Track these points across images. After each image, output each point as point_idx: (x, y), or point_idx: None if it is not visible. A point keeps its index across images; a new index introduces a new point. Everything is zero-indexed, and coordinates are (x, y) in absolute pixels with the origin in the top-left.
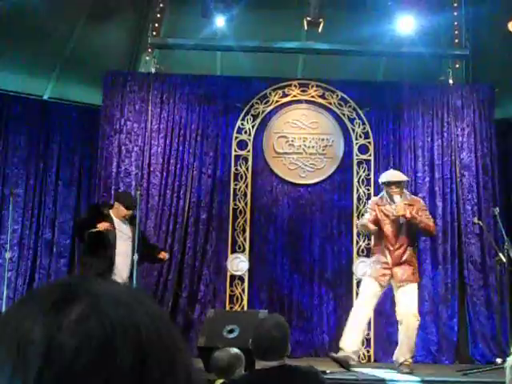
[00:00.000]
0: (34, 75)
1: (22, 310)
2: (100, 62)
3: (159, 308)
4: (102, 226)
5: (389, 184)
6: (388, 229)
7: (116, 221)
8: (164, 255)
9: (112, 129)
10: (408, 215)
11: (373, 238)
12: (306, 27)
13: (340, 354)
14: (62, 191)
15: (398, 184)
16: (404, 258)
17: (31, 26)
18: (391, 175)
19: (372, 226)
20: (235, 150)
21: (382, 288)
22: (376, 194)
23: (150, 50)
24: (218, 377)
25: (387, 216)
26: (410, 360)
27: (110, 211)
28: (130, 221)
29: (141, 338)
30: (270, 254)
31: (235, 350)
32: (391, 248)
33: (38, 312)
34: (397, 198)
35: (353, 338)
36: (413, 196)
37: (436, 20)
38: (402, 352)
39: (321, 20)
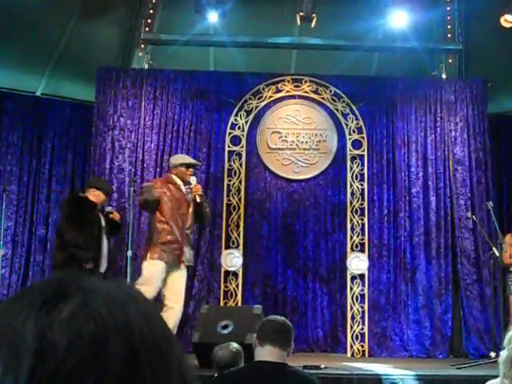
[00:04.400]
0: (27, 71)
1: (14, 308)
2: (93, 58)
3: (151, 305)
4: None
5: (188, 166)
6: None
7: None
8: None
9: (105, 125)
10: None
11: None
12: (299, 22)
13: None
14: (56, 188)
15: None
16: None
17: (24, 22)
18: (189, 158)
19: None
20: (229, 146)
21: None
22: (369, 189)
23: (142, 46)
24: (219, 373)
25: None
26: None
27: None
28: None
29: (133, 335)
30: (264, 250)
31: (235, 345)
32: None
33: (29, 310)
34: (193, 179)
35: None
36: None
37: (429, 14)
38: None
39: (314, 15)
